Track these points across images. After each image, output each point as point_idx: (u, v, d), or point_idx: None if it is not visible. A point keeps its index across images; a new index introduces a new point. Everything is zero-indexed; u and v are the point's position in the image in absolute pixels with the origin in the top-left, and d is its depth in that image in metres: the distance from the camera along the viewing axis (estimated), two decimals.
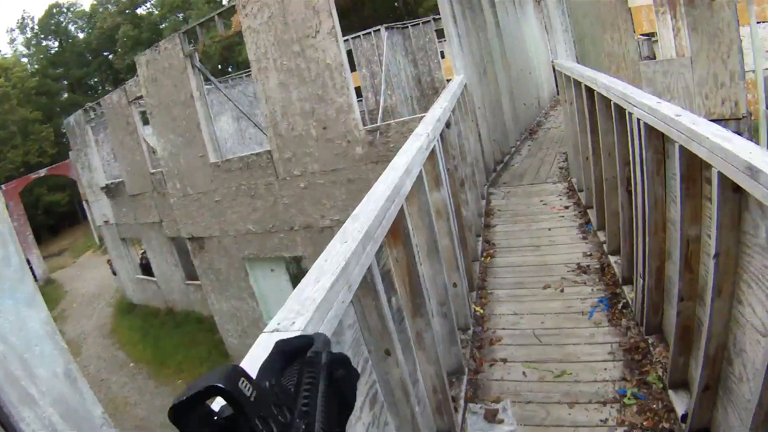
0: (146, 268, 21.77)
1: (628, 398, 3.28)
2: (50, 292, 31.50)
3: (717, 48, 10.34)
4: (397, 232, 2.88)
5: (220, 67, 46.46)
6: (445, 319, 3.55)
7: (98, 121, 20.82)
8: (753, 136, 12.10)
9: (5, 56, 58.87)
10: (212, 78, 13.97)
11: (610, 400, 3.30)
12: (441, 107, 5.17)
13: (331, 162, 9.77)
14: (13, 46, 61.84)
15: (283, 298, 1.59)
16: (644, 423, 3.05)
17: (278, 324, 1.59)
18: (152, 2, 58.81)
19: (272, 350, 0.75)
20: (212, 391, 0.59)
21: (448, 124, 5.22)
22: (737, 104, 10.50)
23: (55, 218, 50.05)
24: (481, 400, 3.55)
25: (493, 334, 4.33)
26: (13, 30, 72.42)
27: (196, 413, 0.62)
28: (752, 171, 2.00)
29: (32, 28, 61.51)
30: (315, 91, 9.56)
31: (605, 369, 3.61)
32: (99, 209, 22.95)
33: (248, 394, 0.61)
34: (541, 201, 7.28)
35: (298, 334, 1.39)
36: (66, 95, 58.31)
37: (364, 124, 9.76)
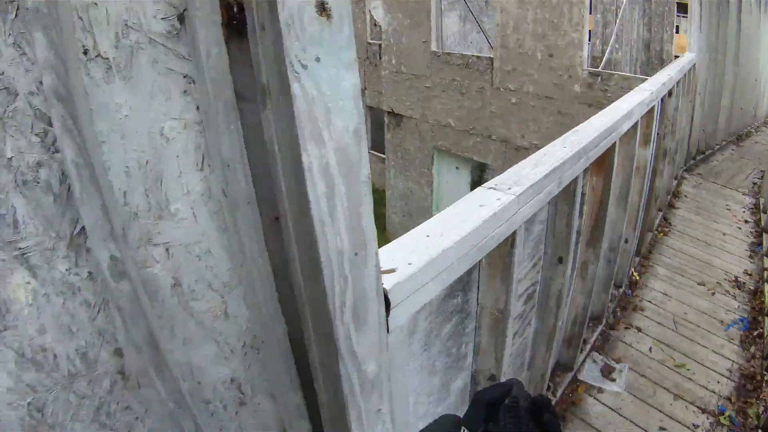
0: None
1: (724, 418, 3.21)
2: None
3: None
4: (603, 163, 2.88)
5: None
6: (608, 264, 3.54)
7: None
8: None
9: None
10: None
11: (709, 411, 3.25)
12: (668, 74, 4.91)
13: (547, 89, 9.51)
14: None
15: (458, 196, 1.61)
16: None
17: (495, 185, 1.73)
18: None
19: (471, 402, 0.79)
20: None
21: (670, 93, 4.95)
22: None
23: None
24: (605, 354, 3.59)
25: (639, 302, 4.27)
26: None
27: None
28: None
29: None
30: (552, 18, 9.24)
31: (718, 382, 3.52)
32: None
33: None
34: (726, 205, 6.88)
35: (499, 207, 1.54)
36: None
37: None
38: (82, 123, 0.74)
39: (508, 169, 1.88)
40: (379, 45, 14.80)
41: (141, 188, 0.83)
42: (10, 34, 0.70)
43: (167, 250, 0.88)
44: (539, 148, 2.16)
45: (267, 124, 0.84)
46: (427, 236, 1.30)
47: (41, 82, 0.72)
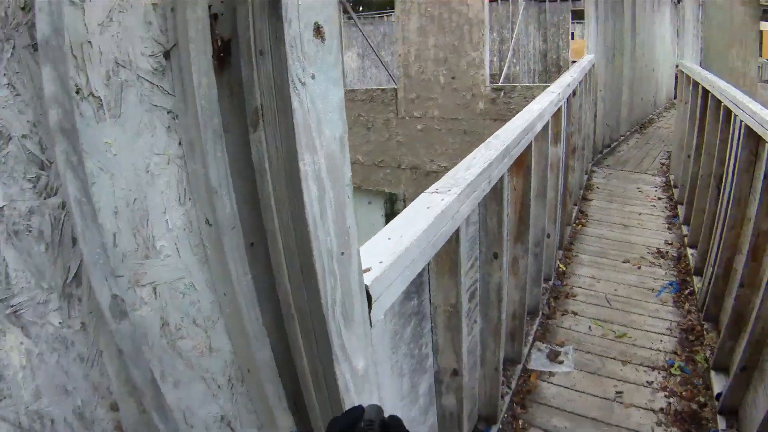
0: None
1: (675, 369, 3.46)
2: None
3: None
4: (522, 163, 3.07)
5: (352, 3, 46.16)
6: (536, 259, 3.75)
7: None
8: None
9: None
10: (352, 13, 14.14)
11: (659, 367, 3.50)
12: (571, 76, 5.37)
13: (452, 111, 9.88)
14: None
15: (373, 231, 1.62)
16: (683, 393, 3.24)
17: (437, 189, 1.85)
18: None
19: (326, 430, 0.82)
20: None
21: (574, 93, 5.34)
22: None
23: None
24: (547, 342, 3.79)
25: (570, 289, 4.53)
26: None
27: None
28: None
29: None
30: (451, 42, 9.66)
31: (661, 341, 3.80)
32: None
33: None
34: (637, 188, 7.38)
35: (444, 206, 1.67)
36: None
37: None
38: (87, 159, 0.77)
39: (445, 174, 2.02)
40: None
41: (129, 228, 0.84)
42: (4, 74, 0.72)
43: (154, 289, 0.88)
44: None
45: (257, 144, 0.91)
46: (389, 239, 1.41)
47: (36, 124, 0.75)
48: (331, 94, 0.92)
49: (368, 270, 1.19)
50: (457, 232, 1.86)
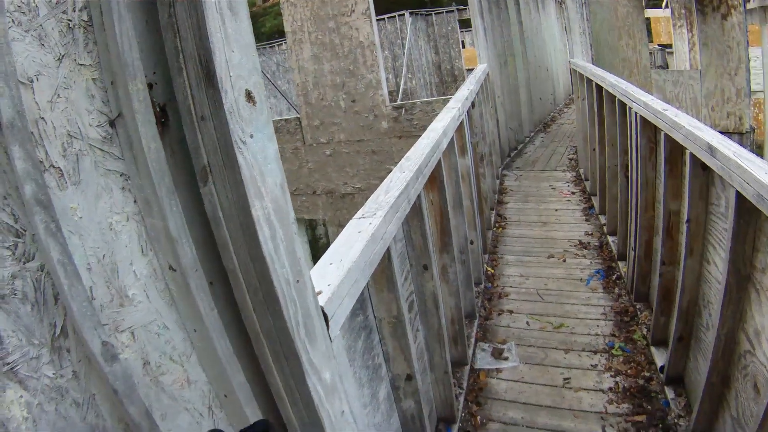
0: None
1: (616, 350, 3.71)
2: None
3: (726, 64, 10.63)
4: (435, 179, 3.29)
5: None
6: (463, 266, 3.97)
7: None
8: (756, 150, 12.48)
9: None
10: None
11: (600, 350, 3.74)
12: (468, 88, 5.65)
13: (357, 133, 10.10)
14: None
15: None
16: (628, 371, 3.47)
17: (363, 215, 2.02)
18: None
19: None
20: None
21: (473, 104, 5.66)
22: (741, 119, 10.83)
23: None
24: (489, 341, 4.00)
25: (501, 290, 4.78)
26: None
27: None
28: (711, 149, 2.45)
29: None
30: (347, 66, 9.90)
31: (598, 326, 4.06)
32: None
33: None
34: (550, 186, 7.75)
35: (373, 229, 1.84)
36: None
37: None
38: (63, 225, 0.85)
39: (368, 200, 2.19)
40: None
41: (103, 281, 0.92)
42: None
43: (132, 333, 0.97)
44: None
45: (209, 196, 1.05)
46: (331, 264, 1.57)
47: (6, 196, 0.80)
48: (267, 148, 1.06)
49: (320, 293, 1.34)
50: (388, 251, 2.04)
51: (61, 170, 0.87)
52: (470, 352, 3.75)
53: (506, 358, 3.75)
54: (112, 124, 0.96)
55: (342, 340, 1.73)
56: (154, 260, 1.03)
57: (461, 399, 3.27)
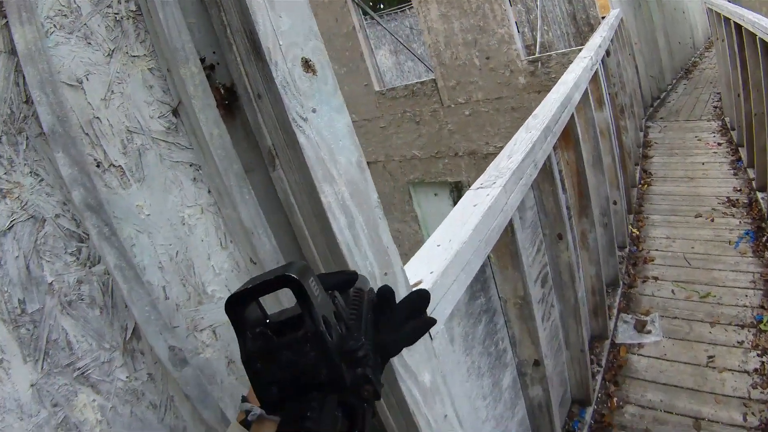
0: None
1: (765, 324, 3.29)
2: None
3: None
4: (568, 136, 3.00)
5: (372, 3, 46.72)
6: (605, 229, 3.64)
7: None
8: None
9: None
10: (371, 12, 14.22)
11: (747, 324, 3.33)
12: (600, 36, 5.15)
13: (494, 90, 9.74)
14: None
15: None
16: None
17: (481, 184, 1.82)
18: None
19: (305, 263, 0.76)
20: (283, 282, 0.60)
21: (608, 53, 5.16)
22: None
23: None
24: (632, 312, 3.67)
25: (647, 254, 4.38)
26: None
27: (251, 310, 0.63)
28: None
29: None
30: (476, 23, 9.54)
31: (746, 296, 3.62)
32: None
33: (316, 293, 0.61)
34: (695, 137, 7.11)
35: (491, 201, 1.63)
36: None
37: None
38: (118, 228, 0.81)
39: (487, 168, 1.99)
40: None
41: (177, 279, 0.88)
42: (25, 164, 0.76)
43: (214, 332, 0.92)
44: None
45: (279, 181, 0.94)
46: (438, 245, 1.39)
47: (66, 202, 0.79)
48: (336, 122, 0.92)
49: (419, 283, 1.18)
50: (510, 224, 1.83)
51: (122, 168, 0.83)
52: (611, 324, 3.45)
53: (649, 332, 3.41)
54: (175, 113, 0.90)
55: (456, 328, 1.58)
56: (235, 252, 0.96)
57: (598, 378, 3.00)
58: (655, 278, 4.03)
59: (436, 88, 10.56)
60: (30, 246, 0.75)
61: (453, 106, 10.40)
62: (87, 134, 0.80)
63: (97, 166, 0.81)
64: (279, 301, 0.93)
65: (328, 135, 0.90)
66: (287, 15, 0.87)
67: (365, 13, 12.84)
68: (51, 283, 0.77)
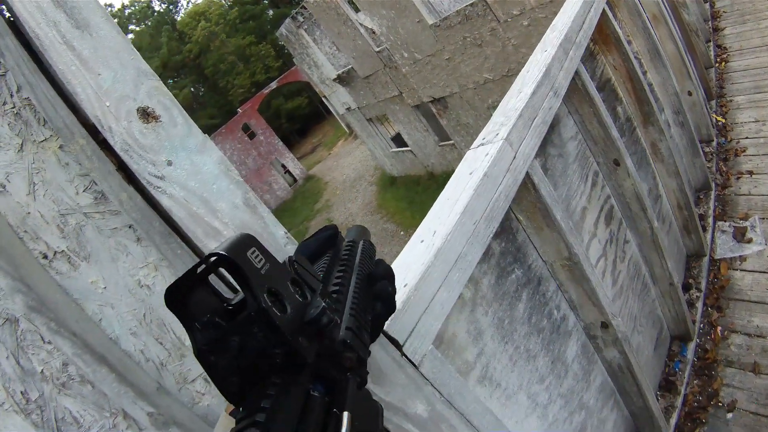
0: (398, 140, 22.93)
1: None
2: (312, 187, 36.11)
3: None
4: (607, 37, 2.67)
5: None
6: (683, 128, 3.28)
7: (309, 22, 21.90)
8: None
9: (197, 2, 64.27)
10: None
11: None
12: None
13: None
14: None
15: None
16: None
17: (483, 138, 1.59)
18: None
19: (306, 240, 0.74)
20: (211, 261, 0.55)
21: None
22: None
23: (300, 122, 55.80)
24: (729, 218, 3.29)
25: (737, 144, 3.94)
26: None
27: (200, 298, 0.58)
28: None
29: None
30: None
31: None
32: (338, 99, 24.63)
33: (258, 266, 0.56)
34: None
35: (487, 164, 1.40)
36: (271, 12, 60.94)
37: None
38: (66, 318, 0.83)
39: (496, 110, 1.75)
40: (386, 48, 15.00)
41: (153, 340, 0.90)
42: None
43: (205, 379, 0.94)
44: None
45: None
46: (422, 241, 1.23)
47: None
48: (202, 165, 0.87)
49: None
50: (528, 178, 1.59)
51: (66, 252, 0.86)
52: (708, 237, 3.11)
53: (750, 240, 3.03)
54: (94, 181, 0.90)
55: (485, 318, 1.39)
56: None
57: (699, 305, 2.71)
58: (750, 172, 3.60)
59: (487, 5, 10.20)
60: (14, 345, 0.81)
61: (509, 20, 10.06)
62: (26, 231, 0.83)
63: (44, 257, 0.83)
64: None
65: (195, 185, 0.85)
66: (106, 67, 0.82)
67: None
68: (42, 371, 0.82)
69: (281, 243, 0.90)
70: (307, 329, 0.58)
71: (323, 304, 0.59)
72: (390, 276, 0.76)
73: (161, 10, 63.84)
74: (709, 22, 6.05)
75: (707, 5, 6.48)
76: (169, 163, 0.83)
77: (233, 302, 0.58)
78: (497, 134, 1.53)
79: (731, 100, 4.55)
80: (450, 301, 1.16)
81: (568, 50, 2.07)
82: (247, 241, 0.57)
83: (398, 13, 12.33)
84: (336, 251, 0.74)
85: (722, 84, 4.83)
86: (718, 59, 5.27)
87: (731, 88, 4.75)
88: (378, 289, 0.72)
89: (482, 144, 1.53)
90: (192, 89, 57.81)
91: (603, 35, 2.64)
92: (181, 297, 0.56)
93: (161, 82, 0.87)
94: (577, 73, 2.10)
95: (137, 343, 0.88)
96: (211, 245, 0.83)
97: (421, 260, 1.13)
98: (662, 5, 3.81)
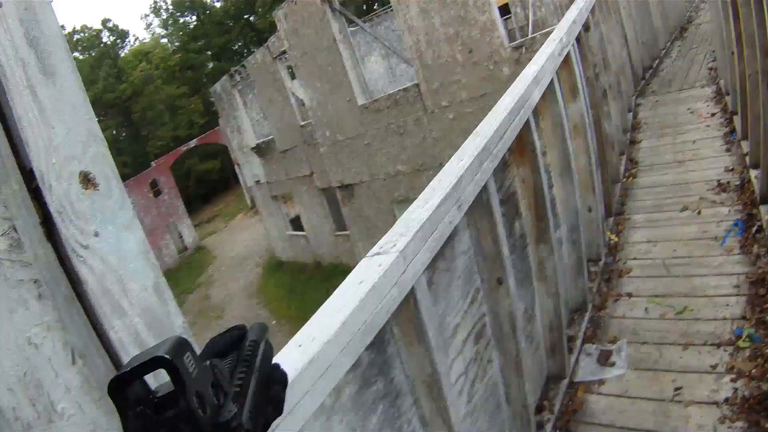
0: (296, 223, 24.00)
1: (743, 340, 3.26)
2: (199, 258, 37.14)
3: None
4: (524, 148, 2.91)
5: (365, 7, 46.62)
6: (573, 246, 3.61)
7: (245, 83, 22.83)
8: None
9: (144, 41, 65.91)
10: (355, 18, 14.33)
11: (724, 342, 3.31)
12: (577, 8, 4.94)
13: (478, 87, 9.96)
14: (150, 30, 66.56)
15: None
16: (753, 371, 3.04)
17: (380, 248, 1.74)
18: None
19: (216, 338, 0.81)
20: (157, 363, 0.63)
21: (586, 27, 5.01)
22: None
23: (207, 187, 56.10)
24: (598, 340, 3.62)
25: (623, 264, 4.36)
26: (148, 15, 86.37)
27: (134, 389, 0.66)
28: None
29: (167, 9, 65.94)
30: (457, 13, 9.78)
31: (727, 305, 3.60)
32: (250, 170, 25.54)
33: (191, 369, 0.65)
34: (688, 109, 7.15)
35: (378, 275, 1.54)
36: (211, 65, 62.20)
37: (514, 40, 9.72)
38: None
39: (399, 218, 1.90)
40: (311, 123, 15.48)
41: (26, 400, 0.89)
42: None
43: None
44: None
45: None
46: (300, 346, 1.34)
47: None
48: (125, 243, 0.93)
49: None
50: (412, 293, 1.75)
51: None
52: (572, 359, 3.40)
53: (613, 364, 3.37)
54: (14, 227, 0.90)
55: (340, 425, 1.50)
56: (84, 369, 0.98)
57: (548, 427, 2.97)
58: (629, 294, 4.01)
59: (419, 93, 10.77)
60: None
61: (437, 111, 10.64)
62: None
63: None
64: None
65: (114, 261, 0.91)
66: (61, 122, 0.86)
67: (349, 21, 12.88)
68: None
69: (178, 331, 0.97)
70: (218, 429, 0.66)
71: (234, 410, 0.68)
72: (284, 383, 0.85)
73: (108, 42, 64.17)
74: (628, 134, 6.63)
75: (630, 115, 7.09)
76: (96, 234, 0.88)
77: (158, 395, 0.67)
78: (394, 245, 1.68)
79: (629, 218, 5.03)
80: (311, 408, 1.28)
81: (484, 161, 2.29)
82: (185, 347, 0.65)
83: (332, 88, 12.77)
84: (240, 350, 0.80)
85: (624, 201, 5.32)
86: (627, 174, 5.78)
87: (632, 206, 5.25)
88: (272, 394, 0.79)
89: (378, 253, 1.68)
90: (114, 132, 57.98)
91: (520, 146, 2.88)
92: (123, 387, 0.64)
93: (108, 149, 0.92)
94: (485, 186, 2.31)
95: (12, 401, 0.89)
96: (114, 323, 0.89)
97: (295, 365, 1.24)
98: (586, 116, 4.18)
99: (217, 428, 0.66)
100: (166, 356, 0.62)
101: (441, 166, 7.49)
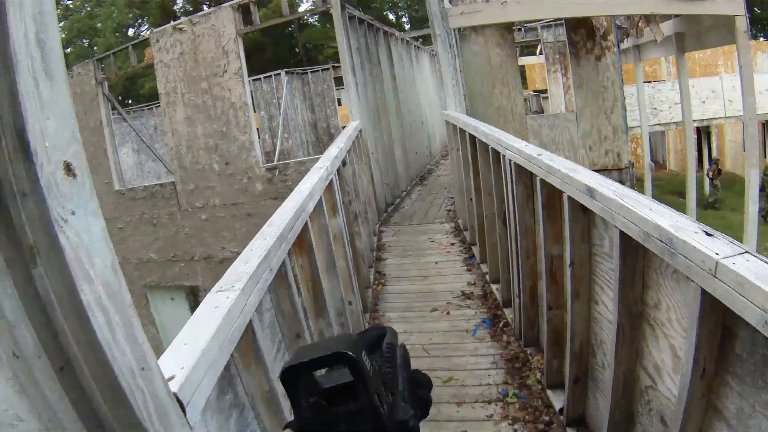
0: None
1: (511, 398, 3.88)
2: None
3: (601, 104, 11.81)
4: (303, 243, 3.45)
5: (121, 98, 45.30)
6: (342, 328, 4.14)
7: None
8: (636, 185, 13.78)
9: None
10: (119, 108, 14.25)
11: (494, 400, 3.89)
12: (338, 147, 5.93)
13: (232, 196, 10.33)
14: None
15: (183, 326, 1.87)
16: (526, 417, 3.62)
17: (221, 287, 2.15)
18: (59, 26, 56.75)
19: (367, 332, 0.85)
20: (338, 358, 0.66)
21: (344, 163, 5.95)
22: (619, 156, 11.96)
23: None
24: None
25: None
26: None
27: (305, 380, 0.69)
28: (591, 191, 2.71)
29: None
30: (219, 128, 10.22)
31: (489, 375, 4.24)
32: None
33: (370, 368, 0.67)
34: (429, 239, 8.17)
35: (230, 304, 1.98)
36: None
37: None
38: None
39: (227, 270, 2.33)
40: None
41: None
42: None
43: None
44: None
45: (40, 279, 1.05)
46: (185, 344, 1.67)
47: None
48: (92, 226, 1.08)
49: (172, 378, 1.45)
50: (251, 324, 2.17)
51: None
52: None
53: None
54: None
55: (210, 421, 1.83)
56: None
57: None
58: None
59: (175, 191, 10.85)
60: None
61: (190, 210, 10.75)
62: None
63: None
64: None
65: (85, 237, 1.05)
66: (54, 118, 1.00)
67: (113, 108, 12.83)
68: None
69: (127, 304, 1.15)
70: (396, 428, 0.69)
71: (411, 411, 0.72)
72: (430, 385, 0.88)
73: None
74: (374, 252, 7.50)
75: (375, 238, 8.05)
76: (73, 213, 1.00)
77: (327, 386, 0.71)
78: (233, 286, 2.11)
79: (383, 315, 5.72)
80: (210, 386, 1.61)
81: (281, 243, 2.80)
82: (360, 344, 0.69)
83: (91, 169, 12.34)
84: (381, 351, 0.82)
85: (377, 302, 6.06)
86: (376, 282, 6.59)
87: (385, 306, 5.98)
88: (420, 395, 0.82)
89: (221, 290, 2.08)
90: None
91: (300, 242, 3.39)
92: (295, 377, 0.68)
93: (84, 151, 1.04)
94: (283, 262, 2.82)
95: None
96: (84, 288, 1.02)
97: (191, 354, 1.60)
98: (344, 230, 4.89)
99: (396, 426, 0.69)
100: (352, 354, 0.65)
101: (193, 259, 7.93)
